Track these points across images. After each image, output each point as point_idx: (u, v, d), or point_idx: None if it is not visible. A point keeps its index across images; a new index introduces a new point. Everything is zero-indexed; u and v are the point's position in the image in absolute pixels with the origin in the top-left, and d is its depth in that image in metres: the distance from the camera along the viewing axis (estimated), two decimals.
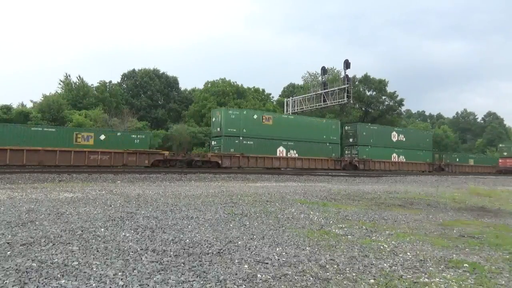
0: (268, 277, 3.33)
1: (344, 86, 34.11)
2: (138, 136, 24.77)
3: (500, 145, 53.59)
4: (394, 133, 37.82)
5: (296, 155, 30.13)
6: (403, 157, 37.75)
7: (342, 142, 35.18)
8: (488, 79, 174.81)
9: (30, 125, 25.97)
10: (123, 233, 4.86)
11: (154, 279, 3.14)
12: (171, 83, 55.73)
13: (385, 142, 36.37)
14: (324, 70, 38.27)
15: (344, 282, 3.29)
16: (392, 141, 37.17)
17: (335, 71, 54.04)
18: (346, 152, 35.26)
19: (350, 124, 38.59)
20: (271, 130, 28.97)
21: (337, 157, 32.42)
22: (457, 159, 45.97)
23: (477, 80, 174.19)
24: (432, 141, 42.47)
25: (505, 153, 49.61)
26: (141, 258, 3.74)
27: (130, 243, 4.33)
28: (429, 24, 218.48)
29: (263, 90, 58.96)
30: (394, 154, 37.21)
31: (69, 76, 44.65)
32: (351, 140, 35.03)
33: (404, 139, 38.06)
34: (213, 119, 29.04)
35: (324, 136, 31.84)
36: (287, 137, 29.75)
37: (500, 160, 49.71)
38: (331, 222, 6.44)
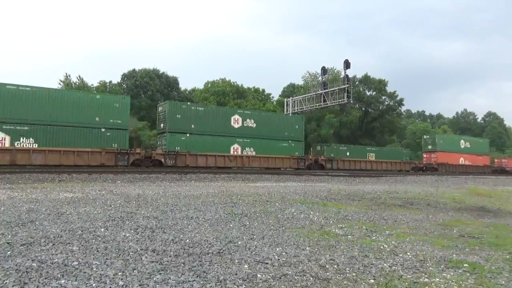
0: (268, 277, 3.33)
1: (344, 86, 34.09)
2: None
3: (425, 136, 45.13)
4: None
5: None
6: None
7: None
8: (488, 79, 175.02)
9: None
10: (123, 233, 4.86)
11: (154, 279, 3.14)
12: (171, 83, 55.72)
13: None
14: (324, 70, 38.27)
15: (344, 282, 3.29)
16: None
17: (335, 71, 54.03)
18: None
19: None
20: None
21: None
22: (348, 153, 36.50)
23: (478, 80, 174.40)
24: (303, 128, 32.62)
25: (429, 147, 41.76)
26: (141, 258, 3.74)
27: (130, 243, 4.33)
28: (429, 24, 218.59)
29: (263, 90, 59.00)
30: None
31: (69, 76, 44.69)
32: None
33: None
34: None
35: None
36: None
37: (424, 155, 42.58)
38: (331, 222, 6.45)
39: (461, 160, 43.46)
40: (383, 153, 40.03)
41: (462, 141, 45.30)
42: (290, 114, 34.87)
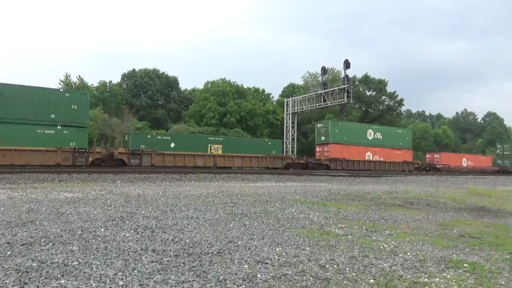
0: (268, 277, 3.33)
1: (344, 86, 34.10)
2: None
3: (318, 124, 36.67)
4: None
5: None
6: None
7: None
8: (488, 79, 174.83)
9: None
10: (123, 233, 4.86)
11: (154, 279, 3.14)
12: (171, 83, 55.76)
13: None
14: (324, 70, 38.28)
15: (344, 282, 3.29)
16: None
17: (335, 71, 54.06)
18: (318, 149, 34.42)
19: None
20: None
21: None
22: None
23: (478, 80, 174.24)
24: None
25: (322, 138, 34.48)
26: (141, 258, 3.74)
27: (130, 243, 4.33)
28: (430, 23, 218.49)
29: (263, 90, 58.97)
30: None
31: (69, 76, 44.73)
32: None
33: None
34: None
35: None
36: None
37: (317, 149, 35.16)
38: (331, 222, 6.45)
39: (368, 155, 36.19)
40: (235, 145, 29.45)
41: (370, 130, 36.78)
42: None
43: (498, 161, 51.11)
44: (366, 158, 35.91)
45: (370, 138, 36.49)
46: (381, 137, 36.97)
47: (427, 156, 45.72)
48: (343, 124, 35.53)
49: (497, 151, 52.89)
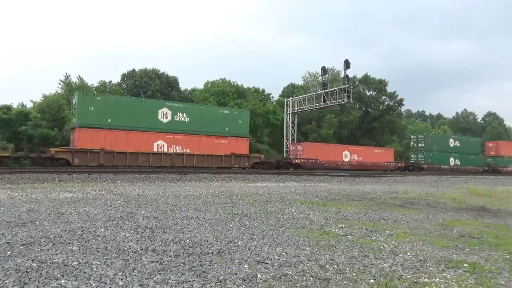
0: (268, 277, 3.33)
1: (344, 86, 34.09)
2: None
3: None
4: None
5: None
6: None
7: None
8: (489, 79, 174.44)
9: None
10: (123, 233, 4.86)
11: (154, 279, 3.14)
12: (171, 83, 55.74)
13: None
14: (324, 70, 38.26)
15: (344, 282, 3.29)
16: None
17: (335, 71, 54.03)
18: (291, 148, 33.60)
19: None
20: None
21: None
22: None
23: (478, 80, 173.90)
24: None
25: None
26: (141, 258, 3.74)
27: (130, 243, 4.33)
28: (430, 23, 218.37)
29: (263, 90, 58.94)
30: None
31: (69, 76, 44.68)
32: None
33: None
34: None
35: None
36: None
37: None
38: (331, 222, 6.45)
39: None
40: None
41: None
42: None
43: (412, 156, 43.82)
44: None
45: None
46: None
47: (290, 148, 35.30)
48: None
49: (411, 143, 44.79)
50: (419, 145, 43.23)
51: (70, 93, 41.35)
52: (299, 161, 32.13)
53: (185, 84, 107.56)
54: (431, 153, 42.32)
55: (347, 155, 34.84)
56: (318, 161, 32.99)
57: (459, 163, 44.68)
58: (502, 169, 46.69)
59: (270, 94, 60.59)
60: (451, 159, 44.28)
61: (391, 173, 33.53)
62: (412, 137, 46.39)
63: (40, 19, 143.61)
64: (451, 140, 46.38)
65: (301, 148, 33.14)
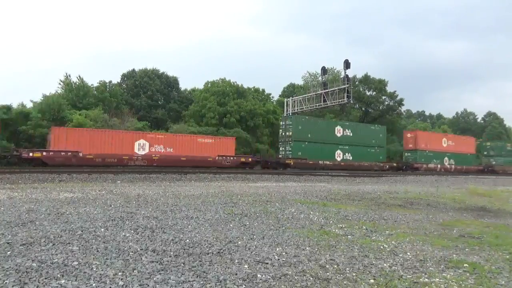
0: (268, 277, 3.33)
1: (344, 86, 34.08)
2: None
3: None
4: None
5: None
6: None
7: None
8: (490, 79, 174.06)
9: None
10: (123, 233, 4.86)
11: (154, 279, 3.14)
12: (171, 83, 55.76)
13: None
14: (324, 70, 38.26)
15: (344, 282, 3.29)
16: None
17: (335, 71, 54.00)
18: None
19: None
20: None
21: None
22: None
23: (479, 80, 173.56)
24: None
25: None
26: (141, 258, 3.74)
27: (130, 243, 4.34)
28: (431, 23, 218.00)
29: (263, 90, 58.94)
30: None
31: (69, 76, 44.65)
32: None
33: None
34: None
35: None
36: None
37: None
38: (331, 222, 6.45)
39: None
40: None
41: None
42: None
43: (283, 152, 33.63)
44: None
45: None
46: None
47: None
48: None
49: (280, 132, 32.49)
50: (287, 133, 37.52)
51: (70, 93, 41.41)
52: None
53: (185, 84, 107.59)
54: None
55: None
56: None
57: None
58: (421, 165, 37.30)
59: (270, 94, 60.60)
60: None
61: (391, 173, 33.45)
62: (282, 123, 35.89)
63: (40, 19, 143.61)
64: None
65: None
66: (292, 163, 29.59)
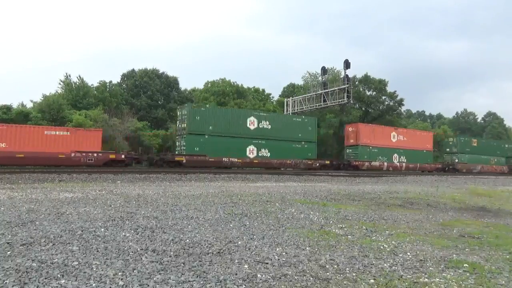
0: (268, 277, 3.33)
1: (344, 86, 34.10)
2: None
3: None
4: None
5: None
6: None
7: None
8: (490, 79, 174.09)
9: None
10: (123, 233, 4.86)
11: (154, 279, 3.14)
12: (171, 83, 55.76)
13: None
14: (324, 70, 38.28)
15: (344, 282, 3.29)
16: None
17: (335, 71, 54.01)
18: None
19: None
20: None
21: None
22: None
23: (480, 80, 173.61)
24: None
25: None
26: (141, 258, 3.74)
27: (130, 243, 4.33)
28: (431, 22, 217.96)
29: (263, 90, 59.01)
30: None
31: (69, 76, 44.66)
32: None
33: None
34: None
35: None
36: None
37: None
38: (331, 222, 6.45)
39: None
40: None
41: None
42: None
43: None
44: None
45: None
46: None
47: None
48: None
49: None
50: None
51: (70, 93, 41.42)
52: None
53: (185, 84, 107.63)
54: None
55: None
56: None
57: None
58: (361, 163, 31.83)
59: (270, 94, 60.66)
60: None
61: (391, 173, 33.37)
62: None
63: (40, 19, 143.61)
64: None
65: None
66: (184, 161, 24.68)
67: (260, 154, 28.04)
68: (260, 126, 28.18)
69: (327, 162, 31.38)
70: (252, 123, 27.97)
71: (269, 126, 28.47)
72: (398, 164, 34.71)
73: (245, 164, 27.46)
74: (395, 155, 34.80)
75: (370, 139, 33.10)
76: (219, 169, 25.06)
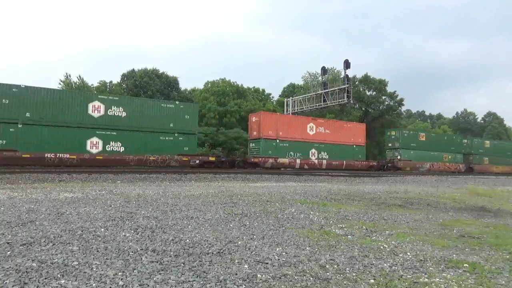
0: (268, 277, 3.33)
1: (344, 86, 34.13)
2: None
3: None
4: None
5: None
6: None
7: None
8: (491, 79, 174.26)
9: None
10: (123, 233, 4.86)
11: (154, 279, 3.14)
12: (171, 83, 55.81)
13: None
14: (324, 70, 38.31)
15: (344, 282, 3.29)
16: None
17: (335, 71, 54.08)
18: None
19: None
20: None
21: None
22: None
23: (480, 80, 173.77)
24: None
25: None
26: (141, 258, 3.74)
27: (130, 243, 4.33)
28: (432, 22, 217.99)
29: (263, 90, 59.04)
30: None
31: (70, 76, 44.73)
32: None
33: None
34: None
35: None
36: None
37: None
38: (331, 222, 6.45)
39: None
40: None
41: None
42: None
43: None
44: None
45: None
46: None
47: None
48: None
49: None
50: None
51: None
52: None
53: (185, 84, 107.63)
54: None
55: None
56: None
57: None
58: (262, 160, 26.49)
59: (270, 94, 60.70)
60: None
61: (392, 173, 33.30)
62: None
63: (40, 18, 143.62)
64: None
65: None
66: None
67: (107, 149, 21.80)
68: (110, 113, 21.95)
69: (212, 158, 25.66)
70: (96, 108, 21.74)
71: (124, 114, 22.23)
72: (316, 161, 29.17)
73: (83, 162, 21.27)
74: (313, 150, 29.24)
75: (276, 131, 27.38)
76: (219, 169, 24.65)
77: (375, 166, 33.38)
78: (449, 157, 38.74)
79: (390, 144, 36.87)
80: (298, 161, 28.27)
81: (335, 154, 30.32)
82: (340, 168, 30.09)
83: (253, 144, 27.92)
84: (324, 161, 29.73)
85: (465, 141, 41.74)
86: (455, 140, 41.43)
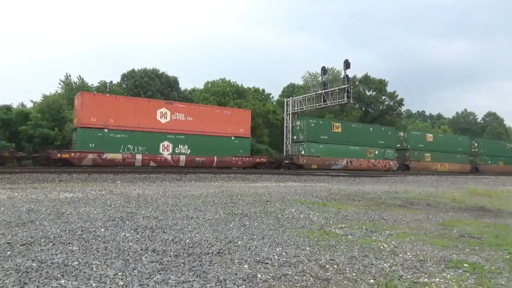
0: (268, 277, 3.33)
1: (344, 86, 34.10)
2: None
3: None
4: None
5: None
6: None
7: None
8: (491, 79, 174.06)
9: None
10: (123, 233, 4.86)
11: (154, 279, 3.14)
12: (171, 83, 55.78)
13: None
14: (324, 70, 38.28)
15: (344, 282, 3.29)
16: None
17: (335, 71, 54.05)
18: None
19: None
20: None
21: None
22: None
23: (480, 80, 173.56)
24: None
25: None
26: (141, 258, 3.74)
27: (130, 243, 4.33)
28: (432, 22, 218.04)
29: (263, 90, 58.94)
30: None
31: (70, 76, 44.68)
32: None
33: None
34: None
35: None
36: None
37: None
38: (331, 222, 6.44)
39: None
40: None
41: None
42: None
43: None
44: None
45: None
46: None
47: None
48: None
49: None
50: None
51: (70, 93, 41.38)
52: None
53: (185, 84, 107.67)
54: None
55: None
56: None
57: None
58: (81, 156, 20.71)
59: (270, 94, 60.58)
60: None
61: (392, 173, 33.24)
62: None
63: (40, 18, 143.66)
64: None
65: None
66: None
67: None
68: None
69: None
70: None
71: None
72: (169, 157, 23.28)
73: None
74: (166, 143, 23.29)
75: (103, 117, 21.16)
76: (219, 169, 24.97)
77: (265, 163, 27.80)
78: (376, 152, 32.97)
79: (295, 137, 31.15)
80: (139, 156, 22.28)
81: (202, 148, 24.47)
82: (209, 165, 24.82)
83: (74, 135, 22.18)
84: (183, 157, 23.80)
85: (401, 133, 36.60)
86: (385, 132, 34.67)
